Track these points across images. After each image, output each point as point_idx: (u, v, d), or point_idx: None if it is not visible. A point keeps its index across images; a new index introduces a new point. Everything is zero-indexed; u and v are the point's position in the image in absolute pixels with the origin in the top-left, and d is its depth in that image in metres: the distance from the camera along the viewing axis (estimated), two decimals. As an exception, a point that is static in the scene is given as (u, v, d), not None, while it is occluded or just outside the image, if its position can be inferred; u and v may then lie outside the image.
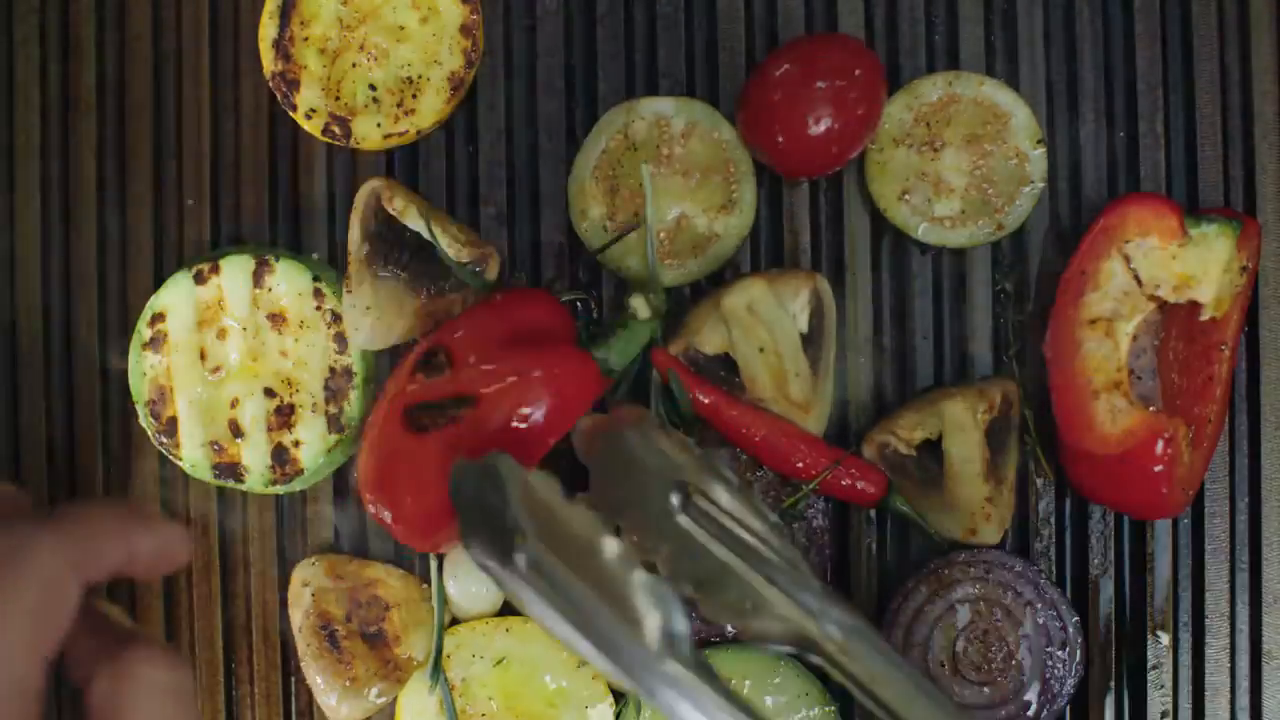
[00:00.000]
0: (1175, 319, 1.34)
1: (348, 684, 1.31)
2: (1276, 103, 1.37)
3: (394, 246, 1.33)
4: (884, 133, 1.35)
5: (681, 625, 0.97)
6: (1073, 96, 1.38)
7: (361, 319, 1.31)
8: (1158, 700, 1.37)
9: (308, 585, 1.34)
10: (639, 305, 1.30)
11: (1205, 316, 1.29)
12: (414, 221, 1.30)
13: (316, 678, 1.32)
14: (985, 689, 1.34)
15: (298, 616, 1.34)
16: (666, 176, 1.35)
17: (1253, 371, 1.37)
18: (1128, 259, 1.30)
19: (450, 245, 1.30)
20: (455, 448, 1.18)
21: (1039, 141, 1.35)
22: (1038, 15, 1.38)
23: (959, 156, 1.35)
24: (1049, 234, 1.38)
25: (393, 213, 1.31)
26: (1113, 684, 1.37)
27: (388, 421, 1.22)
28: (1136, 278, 1.30)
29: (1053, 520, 1.38)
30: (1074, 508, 1.38)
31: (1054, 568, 1.37)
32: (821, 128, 1.28)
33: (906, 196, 1.35)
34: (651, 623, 0.97)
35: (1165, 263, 1.29)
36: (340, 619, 1.33)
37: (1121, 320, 1.30)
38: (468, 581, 1.34)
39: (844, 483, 1.33)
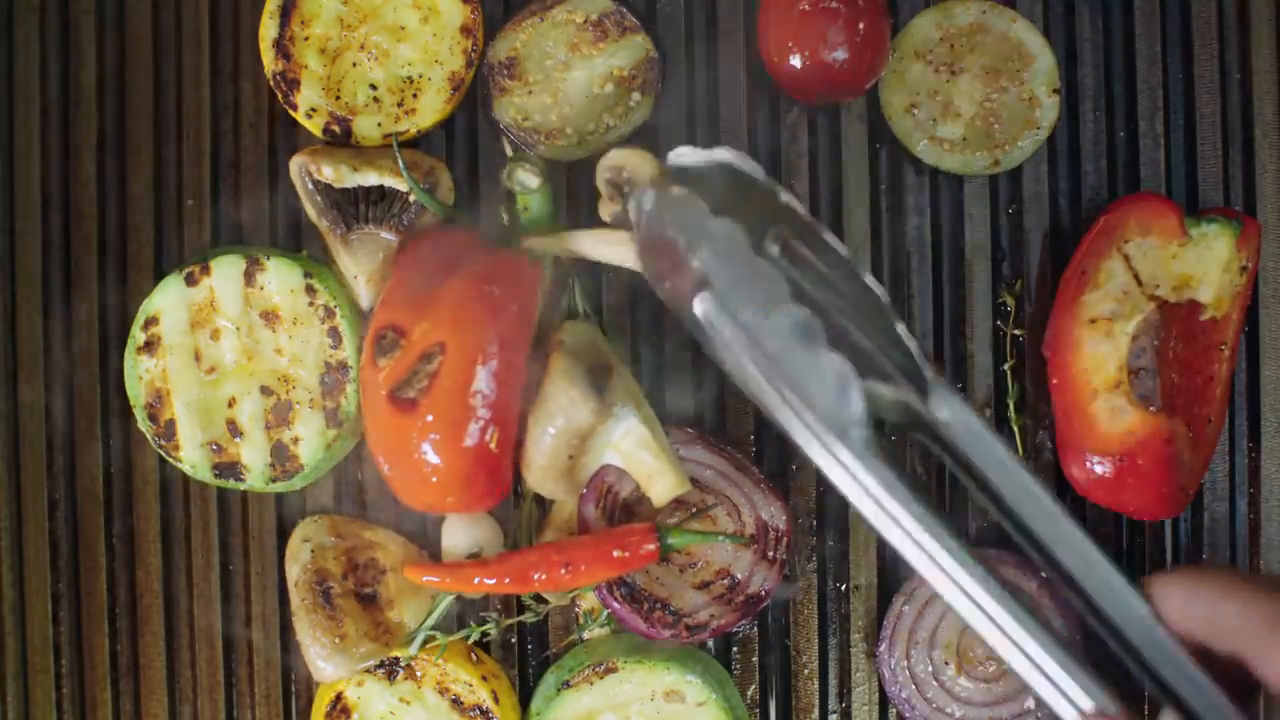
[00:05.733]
0: (1175, 319, 1.34)
1: (337, 641, 1.31)
2: (1276, 103, 1.37)
3: (354, 203, 1.33)
4: (907, 42, 1.35)
5: (859, 410, 0.98)
6: (1073, 96, 1.38)
7: (355, 285, 1.33)
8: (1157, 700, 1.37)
9: (308, 541, 1.34)
10: (525, 177, 1.29)
11: (1205, 316, 1.29)
12: (351, 180, 1.31)
13: (306, 633, 1.32)
14: (990, 686, 1.34)
15: (294, 570, 1.34)
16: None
17: (1253, 371, 1.37)
18: (1128, 259, 1.30)
19: (397, 178, 1.31)
20: (446, 401, 1.22)
21: (1055, 91, 1.34)
22: (1037, 16, 1.38)
23: (974, 85, 1.35)
24: (1049, 234, 1.38)
25: (328, 181, 1.31)
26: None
27: (376, 414, 1.25)
28: (1136, 277, 1.30)
29: (1053, 520, 1.37)
30: (1074, 508, 1.38)
31: (1054, 568, 1.37)
32: (839, 51, 1.28)
33: (914, 110, 1.35)
34: (828, 401, 0.99)
35: (1165, 262, 1.29)
36: (336, 577, 1.33)
37: (1121, 320, 1.30)
38: (459, 538, 1.36)
39: (616, 554, 1.29)
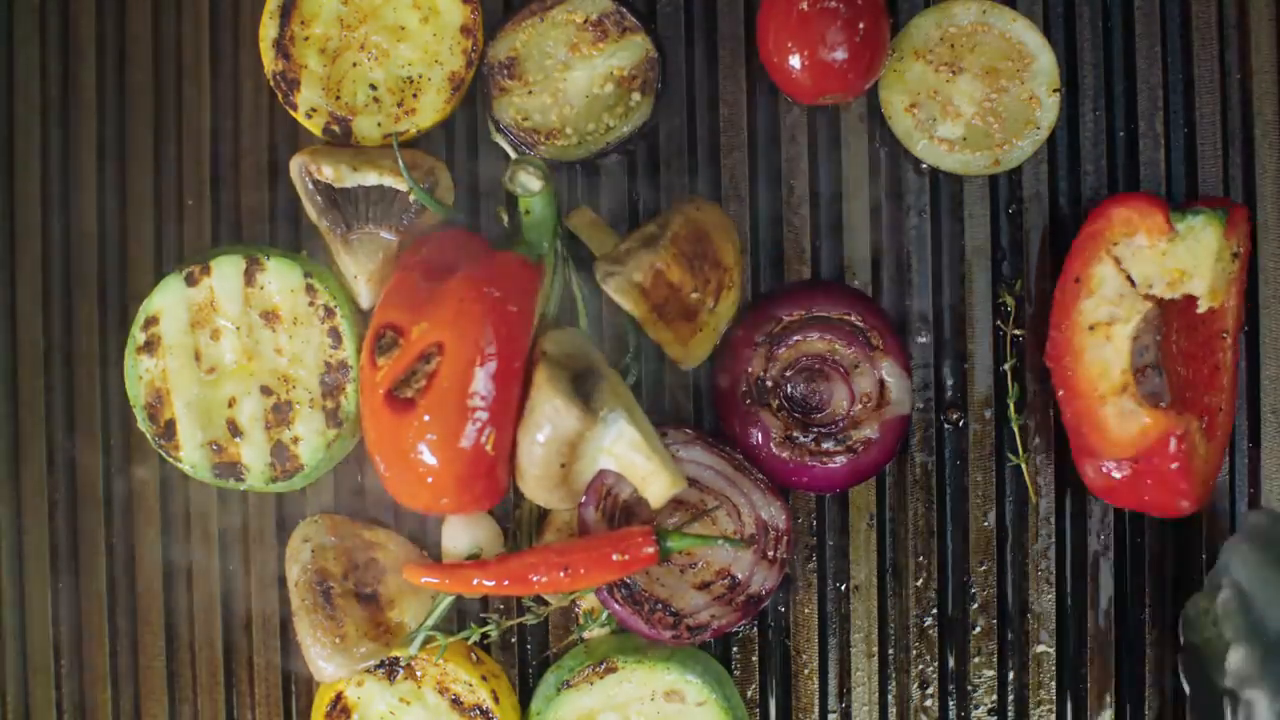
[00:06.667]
0: (1174, 313, 1.33)
1: (337, 641, 1.31)
2: (1276, 102, 1.37)
3: (354, 203, 1.33)
4: (907, 42, 1.35)
5: None
6: (1073, 96, 1.38)
7: (355, 285, 1.33)
8: (1157, 700, 1.37)
9: (308, 541, 1.34)
10: (528, 179, 1.29)
11: (1203, 308, 1.28)
12: (351, 180, 1.31)
13: (306, 633, 1.32)
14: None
15: (295, 570, 1.34)
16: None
17: (1253, 371, 1.37)
18: (1118, 261, 1.30)
19: (397, 177, 1.31)
20: (442, 401, 1.22)
21: (1055, 90, 1.34)
22: (1037, 16, 1.38)
23: (974, 85, 1.35)
24: (1049, 234, 1.38)
25: (327, 181, 1.31)
26: (1113, 683, 1.37)
27: (374, 414, 1.25)
28: (1129, 279, 1.30)
29: (1053, 520, 1.38)
30: (1074, 507, 1.38)
31: (1054, 566, 1.37)
32: (839, 51, 1.28)
33: (914, 110, 1.35)
34: None
35: (1156, 260, 1.29)
36: (337, 577, 1.33)
37: (1120, 323, 1.30)
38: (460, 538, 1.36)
39: (615, 557, 1.28)
